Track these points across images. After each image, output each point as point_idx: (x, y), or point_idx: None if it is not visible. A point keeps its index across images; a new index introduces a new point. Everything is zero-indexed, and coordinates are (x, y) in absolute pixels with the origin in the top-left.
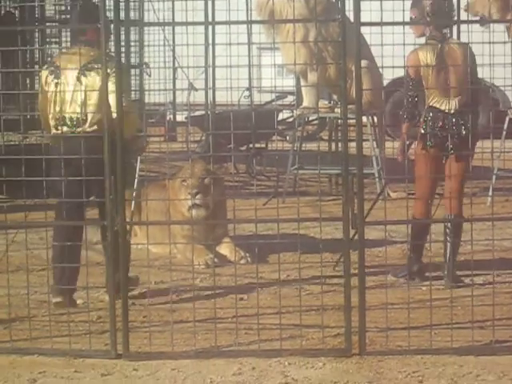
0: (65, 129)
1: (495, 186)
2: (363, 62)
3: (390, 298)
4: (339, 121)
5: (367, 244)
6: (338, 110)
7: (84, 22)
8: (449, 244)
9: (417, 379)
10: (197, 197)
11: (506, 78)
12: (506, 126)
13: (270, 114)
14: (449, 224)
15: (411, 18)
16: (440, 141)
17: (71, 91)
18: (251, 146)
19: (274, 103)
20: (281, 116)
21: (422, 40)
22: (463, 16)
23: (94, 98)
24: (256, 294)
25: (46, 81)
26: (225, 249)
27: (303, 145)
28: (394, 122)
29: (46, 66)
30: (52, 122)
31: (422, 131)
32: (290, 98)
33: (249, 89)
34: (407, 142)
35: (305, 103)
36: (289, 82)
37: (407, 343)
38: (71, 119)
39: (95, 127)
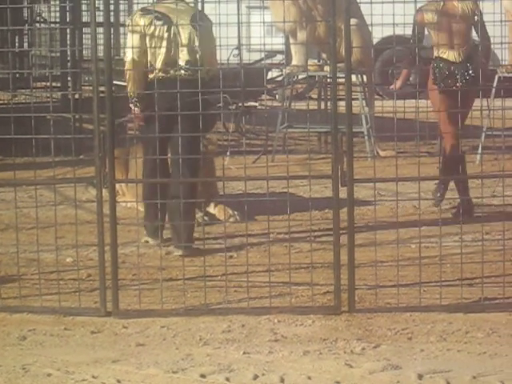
0: (181, 72)
1: (484, 144)
2: (353, 20)
3: (379, 256)
4: (328, 79)
5: (356, 202)
6: (327, 69)
7: None
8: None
9: (406, 336)
10: None
11: (494, 36)
12: (495, 84)
13: (259, 72)
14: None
15: None
16: (448, 86)
17: (187, 38)
18: (240, 104)
19: (263, 62)
20: (270, 75)
21: None
22: None
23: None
24: (245, 252)
25: (150, 27)
26: (214, 207)
27: (292, 103)
28: (383, 80)
29: (140, 13)
30: (160, 66)
31: (432, 77)
32: (280, 57)
33: (238, 47)
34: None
35: (294, 62)
36: (278, 41)
37: (396, 301)
38: (188, 63)
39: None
